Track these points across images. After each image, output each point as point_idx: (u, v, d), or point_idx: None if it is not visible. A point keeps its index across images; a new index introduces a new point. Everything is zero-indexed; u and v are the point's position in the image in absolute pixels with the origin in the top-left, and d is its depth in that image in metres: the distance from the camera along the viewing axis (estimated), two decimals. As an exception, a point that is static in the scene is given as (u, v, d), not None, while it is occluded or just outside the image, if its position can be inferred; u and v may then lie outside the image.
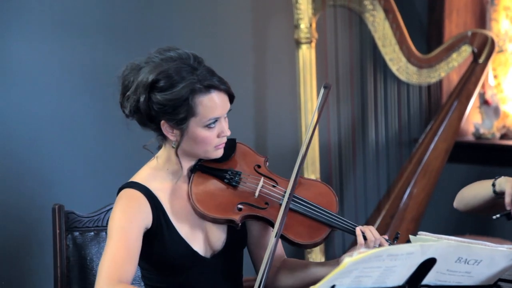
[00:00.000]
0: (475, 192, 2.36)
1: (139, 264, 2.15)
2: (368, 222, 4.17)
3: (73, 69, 3.60)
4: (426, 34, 4.56)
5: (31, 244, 3.51)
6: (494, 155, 4.44)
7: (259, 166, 2.20)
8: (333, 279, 1.64)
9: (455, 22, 4.48)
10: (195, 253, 2.12)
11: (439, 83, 4.41)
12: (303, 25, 3.86)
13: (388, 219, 4.14)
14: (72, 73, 3.60)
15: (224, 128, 2.10)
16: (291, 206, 2.12)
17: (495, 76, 4.52)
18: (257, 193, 2.14)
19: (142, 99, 2.05)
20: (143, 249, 2.07)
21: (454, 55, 4.21)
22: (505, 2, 4.45)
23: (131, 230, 2.03)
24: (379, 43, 4.10)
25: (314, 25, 3.89)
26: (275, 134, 4.19)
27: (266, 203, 2.14)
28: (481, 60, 4.24)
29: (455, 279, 1.79)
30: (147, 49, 2.14)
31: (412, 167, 4.22)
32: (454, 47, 4.22)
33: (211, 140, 2.09)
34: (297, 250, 3.68)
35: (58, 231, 2.33)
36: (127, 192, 2.10)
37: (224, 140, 2.12)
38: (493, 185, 2.27)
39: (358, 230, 2.13)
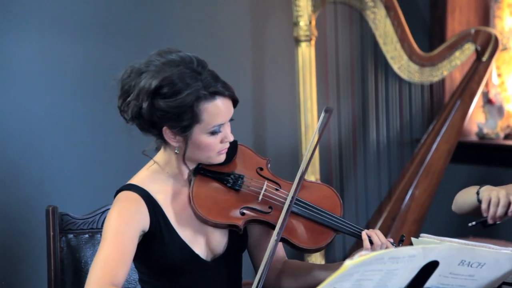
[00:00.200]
0: (465, 197, 2.38)
1: (137, 268, 2.17)
2: (369, 224, 4.17)
3: (69, 70, 3.59)
4: (428, 32, 4.57)
5: (25, 246, 3.50)
6: (498, 155, 4.45)
7: (261, 169, 2.18)
8: (333, 282, 1.62)
9: (458, 20, 4.49)
10: (196, 256, 2.11)
11: (442, 82, 4.42)
12: (302, 23, 3.84)
13: (389, 221, 4.15)
14: (68, 74, 3.59)
15: (227, 134, 2.09)
16: (294, 209, 2.11)
17: (499, 75, 4.52)
18: (260, 197, 2.12)
19: (145, 105, 2.02)
20: (141, 252, 2.07)
21: (457, 53, 4.21)
22: (509, -1, 4.47)
23: (126, 233, 2.01)
24: (380, 41, 4.10)
25: (313, 22, 3.88)
26: (274, 133, 4.20)
27: (270, 207, 2.12)
28: (484, 58, 4.23)
29: (458, 283, 1.78)
30: (144, 49, 2.12)
31: (414, 168, 4.22)
32: (457, 45, 4.22)
33: (215, 146, 2.07)
34: (297, 252, 3.66)
35: (52, 233, 2.32)
36: (125, 195, 2.08)
37: (227, 145, 2.11)
38: (477, 193, 2.30)
39: (364, 234, 2.11)
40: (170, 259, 2.08)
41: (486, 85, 4.41)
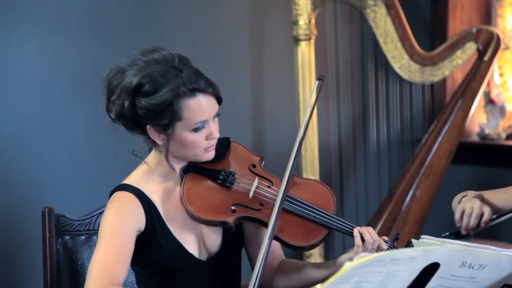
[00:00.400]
0: (454, 203, 2.44)
1: (133, 269, 2.16)
2: (369, 225, 4.13)
3: (65, 71, 3.60)
4: (430, 31, 4.57)
5: (20, 248, 3.50)
6: (499, 156, 4.45)
7: (254, 166, 2.18)
8: (333, 284, 1.61)
9: (460, 19, 4.49)
10: (190, 255, 2.10)
11: (443, 81, 4.42)
12: (302, 21, 3.83)
13: (390, 222, 4.14)
14: (64, 75, 3.60)
15: (212, 130, 2.08)
16: (286, 207, 2.10)
17: (501, 74, 4.53)
18: (251, 194, 2.11)
19: (126, 104, 2.04)
20: (137, 253, 2.06)
21: (459, 53, 4.21)
22: (512, -2, 4.50)
23: (123, 232, 2.02)
24: (381, 40, 4.10)
25: (313, 21, 3.88)
26: (273, 133, 4.20)
27: (261, 204, 2.11)
28: (486, 58, 4.22)
29: (459, 285, 1.77)
30: (140, 48, 2.12)
31: (415, 169, 4.21)
32: (458, 44, 4.21)
33: (199, 143, 2.07)
34: (295, 251, 3.65)
35: (48, 235, 2.31)
36: (120, 195, 2.09)
37: (214, 142, 2.10)
38: (459, 202, 2.37)
39: (356, 231, 2.10)
40: (165, 258, 2.08)
41: (488, 84, 4.40)
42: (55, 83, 3.57)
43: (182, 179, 2.12)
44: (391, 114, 4.32)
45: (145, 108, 2.03)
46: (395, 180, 4.30)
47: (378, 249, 2.08)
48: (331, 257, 4.22)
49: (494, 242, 3.61)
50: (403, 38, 4.09)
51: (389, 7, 4.04)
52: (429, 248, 1.67)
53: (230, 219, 2.06)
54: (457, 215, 2.31)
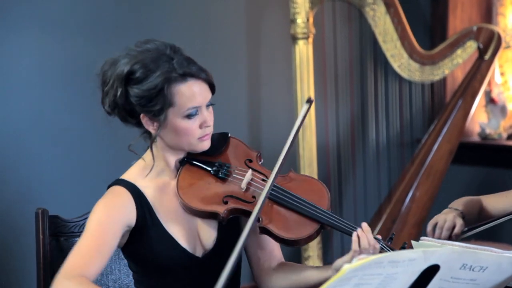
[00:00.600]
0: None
1: (130, 268, 2.17)
2: (369, 226, 4.13)
3: (59, 73, 3.60)
4: (429, 29, 4.58)
5: (14, 250, 3.50)
6: (500, 156, 4.44)
7: (250, 161, 2.18)
8: (331, 286, 1.61)
9: (460, 17, 4.50)
10: (184, 251, 2.10)
11: (443, 80, 4.42)
12: (299, 20, 3.83)
13: (389, 223, 4.14)
14: (58, 76, 3.60)
15: (206, 118, 2.08)
16: (276, 198, 2.09)
17: (502, 73, 4.53)
18: (243, 185, 2.10)
19: (119, 93, 2.05)
20: (130, 250, 2.09)
21: (459, 52, 4.21)
22: (513, -4, 4.53)
23: (107, 224, 2.03)
24: (380, 39, 4.11)
25: (311, 19, 3.88)
26: (270, 131, 4.20)
27: (254, 197, 2.10)
28: (487, 57, 4.22)
29: (459, 287, 1.77)
30: None
31: (415, 169, 4.20)
32: (458, 43, 4.22)
33: (193, 131, 2.07)
34: (294, 253, 3.63)
35: (41, 236, 2.30)
36: (113, 189, 2.11)
37: (208, 131, 2.10)
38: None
39: (355, 235, 2.09)
40: (158, 254, 2.08)
41: (489, 84, 4.41)
42: (49, 85, 3.58)
43: (177, 170, 2.13)
44: (391, 114, 4.33)
45: (138, 96, 2.03)
46: (394, 180, 4.30)
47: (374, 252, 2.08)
48: (329, 259, 4.23)
49: (495, 244, 3.59)
50: (403, 37, 4.10)
51: (389, 5, 4.04)
52: (428, 250, 1.66)
53: (221, 210, 2.05)
54: (428, 228, 2.37)
